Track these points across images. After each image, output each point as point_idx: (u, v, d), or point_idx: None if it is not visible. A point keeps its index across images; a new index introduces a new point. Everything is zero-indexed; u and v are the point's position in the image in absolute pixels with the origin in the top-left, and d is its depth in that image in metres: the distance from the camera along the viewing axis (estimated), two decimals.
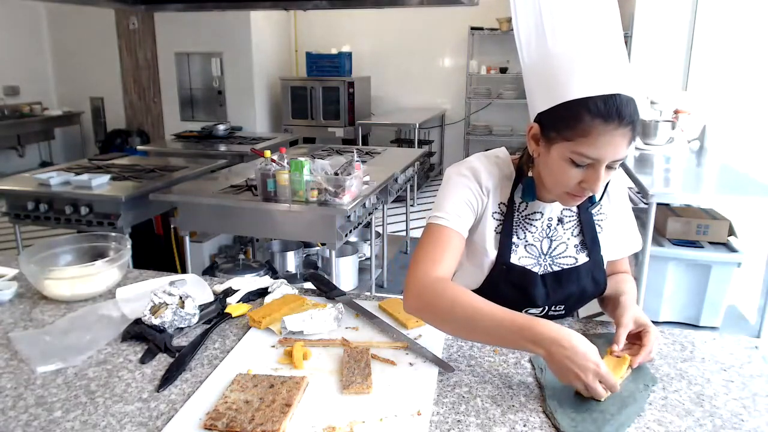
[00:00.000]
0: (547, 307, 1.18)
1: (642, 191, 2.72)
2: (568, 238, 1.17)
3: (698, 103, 4.07)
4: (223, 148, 4.16)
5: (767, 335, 2.58)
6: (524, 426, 0.85)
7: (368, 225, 3.37)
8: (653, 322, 1.04)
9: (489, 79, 6.40)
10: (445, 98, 6.78)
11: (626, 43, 4.69)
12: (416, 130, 5.71)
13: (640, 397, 0.91)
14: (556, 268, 1.16)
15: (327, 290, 1.30)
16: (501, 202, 1.15)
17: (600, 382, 0.86)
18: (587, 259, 1.17)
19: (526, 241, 1.16)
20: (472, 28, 6.17)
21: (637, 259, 2.76)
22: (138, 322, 1.13)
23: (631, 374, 0.97)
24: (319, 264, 3.49)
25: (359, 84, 6.28)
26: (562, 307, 1.19)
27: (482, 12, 5.64)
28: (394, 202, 3.90)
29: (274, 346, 1.08)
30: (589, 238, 1.17)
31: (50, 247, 1.40)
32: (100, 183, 2.79)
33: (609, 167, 0.99)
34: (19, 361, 1.03)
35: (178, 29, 6.09)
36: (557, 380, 0.94)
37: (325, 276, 1.57)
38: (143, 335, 1.09)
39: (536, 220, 1.16)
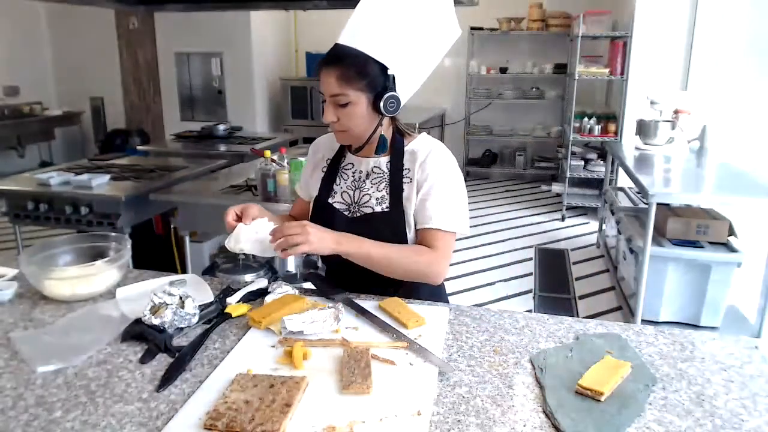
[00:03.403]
0: None
1: (642, 191, 2.72)
2: (373, 192, 1.33)
3: (698, 103, 4.07)
4: (223, 148, 4.15)
5: (767, 335, 2.58)
6: (524, 426, 0.85)
7: None
8: (653, 322, 1.04)
9: (489, 79, 6.39)
10: (445, 98, 6.76)
11: (626, 43, 4.69)
12: (416, 130, 5.70)
13: (640, 397, 0.91)
14: (359, 215, 1.34)
15: (327, 290, 1.30)
16: (328, 158, 1.42)
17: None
18: (387, 210, 1.31)
19: (342, 189, 1.37)
20: (472, 28, 6.16)
21: (637, 259, 2.76)
22: (138, 322, 1.13)
23: (631, 374, 0.97)
24: (319, 264, 3.48)
25: None
26: None
27: (482, 12, 5.62)
28: None
29: (274, 346, 1.08)
30: (392, 194, 1.31)
31: (50, 247, 1.40)
32: (100, 183, 2.79)
33: (339, 104, 1.21)
34: (19, 361, 1.03)
35: (178, 29, 6.08)
36: (557, 380, 0.95)
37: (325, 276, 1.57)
38: (143, 335, 1.09)
39: (348, 169, 1.38)
